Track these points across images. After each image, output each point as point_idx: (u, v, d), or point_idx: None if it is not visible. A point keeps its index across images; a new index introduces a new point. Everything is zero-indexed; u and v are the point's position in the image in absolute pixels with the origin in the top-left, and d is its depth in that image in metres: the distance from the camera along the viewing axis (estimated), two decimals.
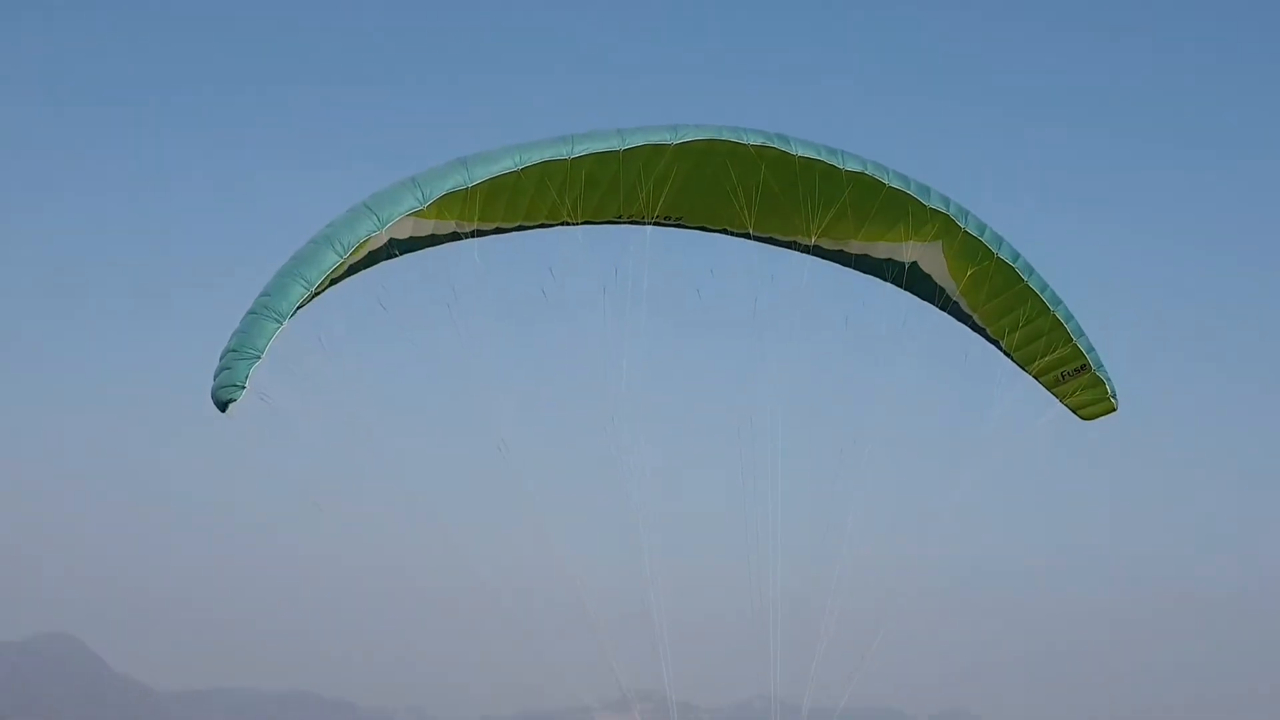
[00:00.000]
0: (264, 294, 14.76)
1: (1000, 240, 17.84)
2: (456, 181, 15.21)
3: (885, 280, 18.95)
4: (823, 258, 18.71)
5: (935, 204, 17.36)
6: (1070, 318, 18.55)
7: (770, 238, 18.46)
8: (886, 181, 16.96)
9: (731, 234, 18.36)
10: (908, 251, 18.10)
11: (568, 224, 16.74)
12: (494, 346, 15.86)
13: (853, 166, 16.74)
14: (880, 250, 18.56)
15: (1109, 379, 19.43)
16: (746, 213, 17.05)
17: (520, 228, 17.13)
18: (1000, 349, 19.46)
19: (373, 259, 16.07)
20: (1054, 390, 19.52)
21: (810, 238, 17.80)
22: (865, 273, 19.14)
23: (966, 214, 17.63)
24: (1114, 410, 19.77)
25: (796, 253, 18.58)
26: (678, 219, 17.64)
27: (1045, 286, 18.25)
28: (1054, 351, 18.73)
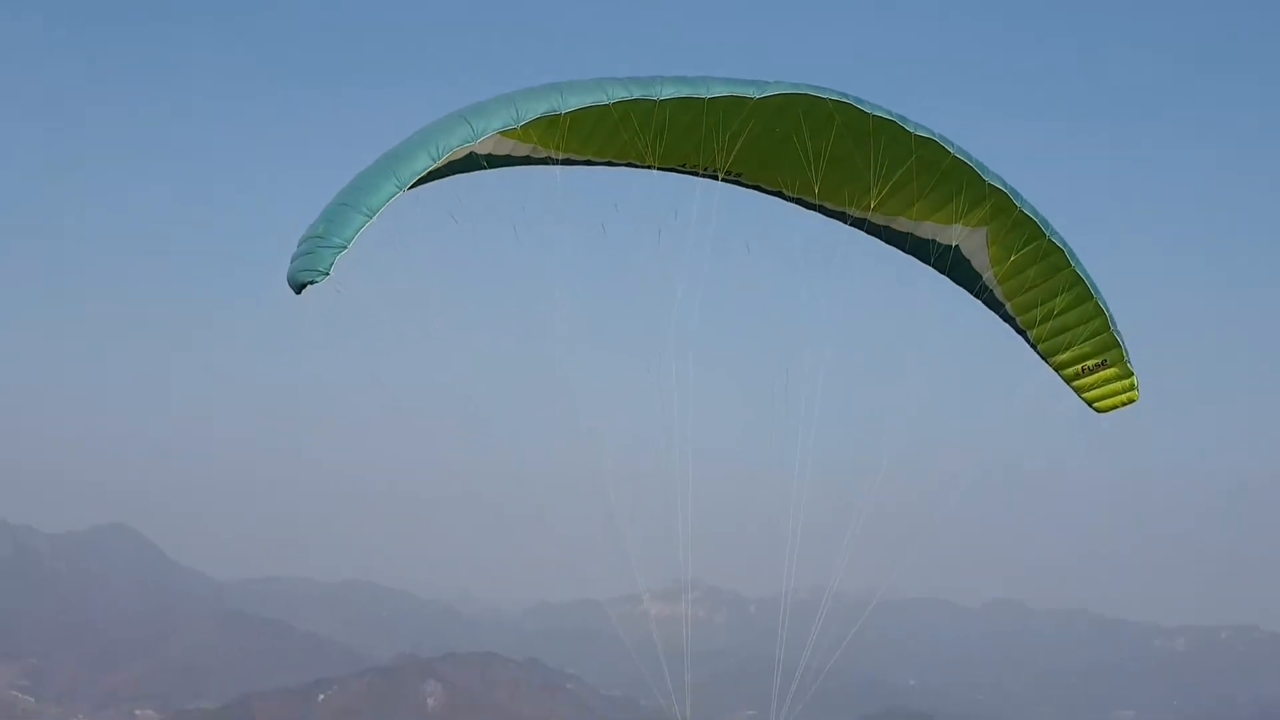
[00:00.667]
0: (356, 188, 14.96)
1: (1046, 221, 17.52)
2: (550, 106, 15.25)
3: (925, 262, 18.96)
4: (869, 232, 18.74)
5: (992, 180, 17.25)
6: (1107, 304, 18.40)
7: (823, 205, 18.45)
8: (951, 151, 16.76)
9: (786, 198, 18.49)
10: (954, 234, 17.98)
11: (637, 165, 17.05)
12: (556, 262, 16.43)
13: (922, 132, 16.57)
14: (925, 230, 18.47)
15: (1133, 368, 19.25)
16: (812, 172, 16.95)
17: (590, 162, 17.17)
18: (1027, 339, 19.60)
19: (455, 168, 16.07)
20: (1073, 384, 19.68)
21: (866, 209, 17.88)
22: (907, 252, 19.14)
23: (1016, 192, 17.21)
24: (1137, 400, 19.73)
25: (845, 225, 18.58)
26: (739, 175, 17.79)
27: (1086, 273, 17.89)
28: (1083, 343, 18.69)
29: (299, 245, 14.71)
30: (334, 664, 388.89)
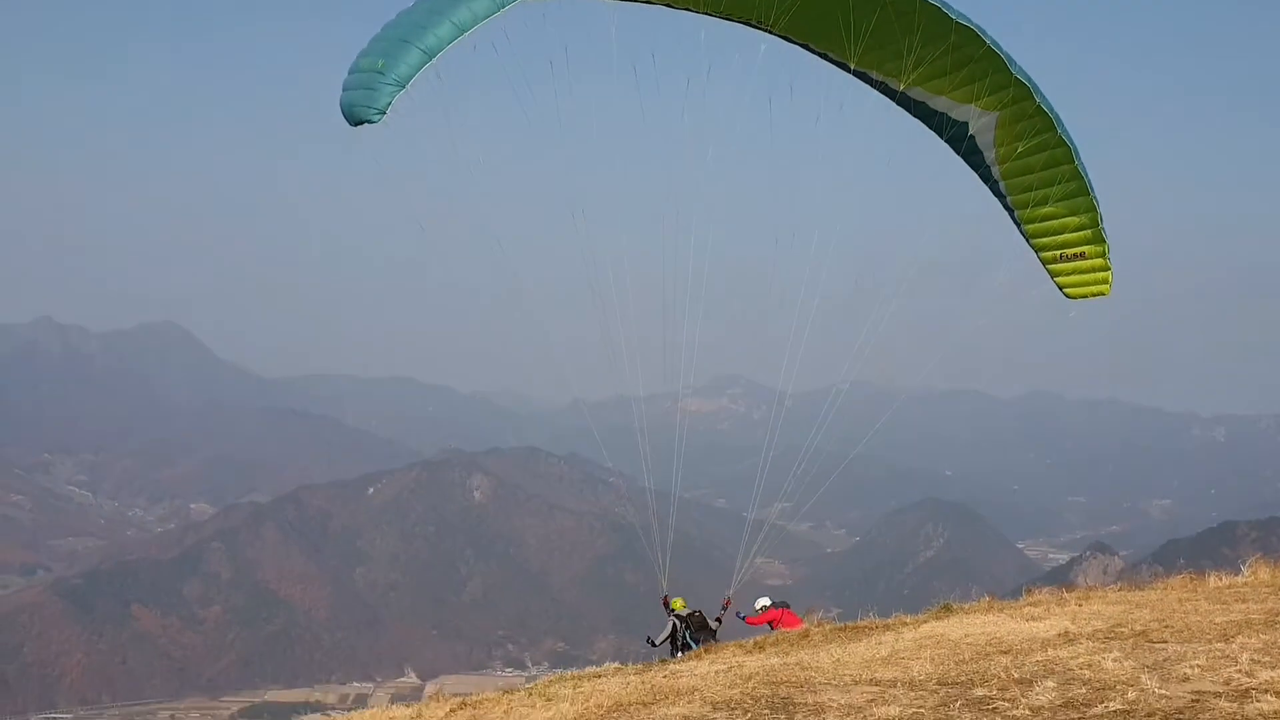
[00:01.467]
0: (416, 24, 14.75)
1: (1061, 122, 18.12)
2: None
3: (936, 133, 19.46)
4: (892, 99, 19.14)
5: (1018, 73, 17.78)
6: (1100, 209, 19.06)
7: (864, 73, 18.99)
8: (986, 41, 17.39)
9: (831, 61, 18.83)
10: (968, 113, 18.44)
11: (693, 10, 17.22)
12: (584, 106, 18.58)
13: (962, 20, 17.14)
14: (940, 104, 18.94)
15: (1110, 268, 19.97)
16: (854, 45, 17.43)
17: (649, 1, 17.16)
18: (1014, 218, 20.18)
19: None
20: (1048, 266, 20.45)
21: (896, 78, 18.31)
22: (920, 119, 19.52)
23: (1038, 88, 17.93)
24: (1108, 294, 20.44)
25: (871, 89, 19.18)
26: (787, 35, 18.22)
27: (1085, 172, 18.68)
28: (1069, 232, 19.44)
29: (355, 73, 14.62)
30: (381, 458, 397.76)
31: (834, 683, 12.79)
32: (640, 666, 17.22)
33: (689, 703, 12.49)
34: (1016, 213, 20.16)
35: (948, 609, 18.92)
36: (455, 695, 16.08)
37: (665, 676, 14.78)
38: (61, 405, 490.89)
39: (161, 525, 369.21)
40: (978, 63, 17.99)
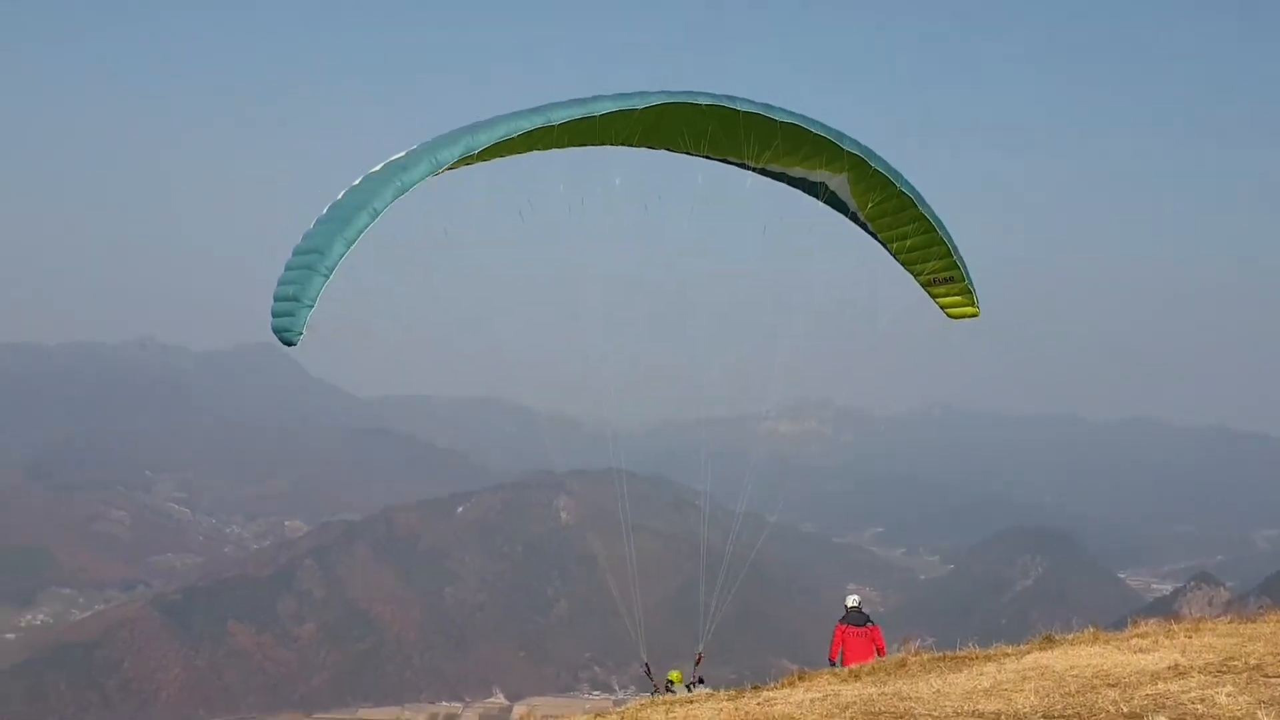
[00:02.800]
0: (313, 247, 18.36)
1: (900, 176, 21.86)
2: (484, 140, 19.05)
3: (810, 195, 23.28)
4: (762, 175, 23.11)
5: (849, 148, 21.47)
6: (950, 239, 22.59)
7: (724, 159, 22.69)
8: (811, 130, 21.17)
9: (692, 154, 22.44)
10: (824, 177, 22.44)
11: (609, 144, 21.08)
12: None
13: (784, 118, 20.94)
14: (799, 173, 22.81)
15: (974, 290, 23.30)
16: (706, 144, 21.61)
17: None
18: (889, 251, 23.72)
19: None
20: (927, 289, 23.67)
21: (755, 162, 22.37)
22: (794, 187, 23.36)
23: (873, 155, 21.63)
24: (977, 316, 23.66)
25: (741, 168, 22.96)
26: (664, 147, 21.94)
27: (933, 214, 22.34)
28: (931, 262, 22.99)
29: (276, 300, 18.32)
30: (470, 478, 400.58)
31: (934, 714, 12.39)
32: (733, 693, 16.89)
33: None
34: (890, 247, 23.80)
35: (1050, 640, 18.34)
36: (547, 717, 15.80)
37: (759, 704, 14.46)
38: (161, 424, 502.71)
39: (257, 542, 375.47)
40: (812, 145, 21.85)
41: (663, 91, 20.57)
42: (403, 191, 18.46)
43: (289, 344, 18.28)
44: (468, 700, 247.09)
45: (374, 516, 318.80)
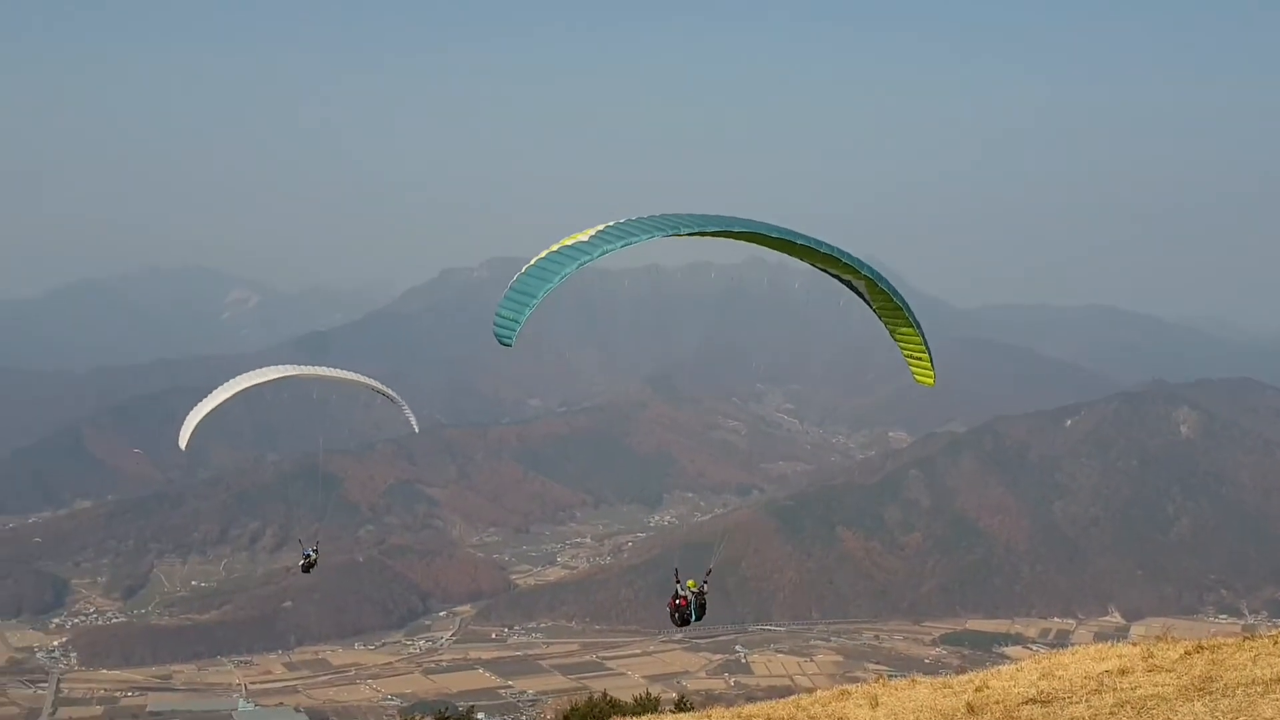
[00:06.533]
0: (532, 280, 23.76)
1: (896, 291, 28.56)
2: (660, 230, 25.19)
3: (849, 288, 29.89)
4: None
5: (866, 272, 27.87)
6: (922, 333, 29.53)
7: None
8: (843, 259, 27.34)
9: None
10: (852, 280, 28.91)
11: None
12: None
13: (826, 250, 27.19)
14: (841, 274, 29.13)
15: (934, 367, 30.41)
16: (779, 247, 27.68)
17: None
18: (889, 332, 30.81)
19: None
20: (906, 358, 30.94)
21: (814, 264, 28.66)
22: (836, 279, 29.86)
23: (881, 277, 28.23)
24: (932, 386, 31.00)
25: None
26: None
27: (913, 318, 29.41)
28: (909, 344, 30.44)
29: (506, 300, 23.70)
30: (1080, 389, 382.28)
31: None
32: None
33: None
34: (888, 328, 30.14)
35: None
36: (1184, 639, 11.40)
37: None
38: (769, 339, 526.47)
39: (862, 452, 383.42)
40: (844, 267, 27.49)
41: (749, 220, 26.35)
42: (588, 262, 23.72)
43: (505, 344, 23.58)
44: (1081, 617, 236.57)
45: (979, 428, 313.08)
